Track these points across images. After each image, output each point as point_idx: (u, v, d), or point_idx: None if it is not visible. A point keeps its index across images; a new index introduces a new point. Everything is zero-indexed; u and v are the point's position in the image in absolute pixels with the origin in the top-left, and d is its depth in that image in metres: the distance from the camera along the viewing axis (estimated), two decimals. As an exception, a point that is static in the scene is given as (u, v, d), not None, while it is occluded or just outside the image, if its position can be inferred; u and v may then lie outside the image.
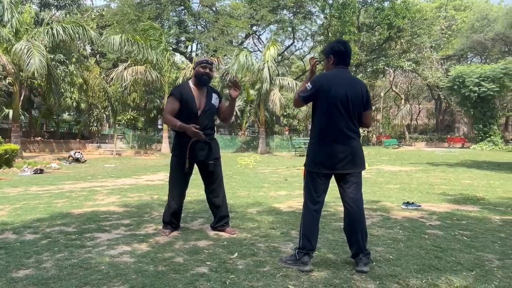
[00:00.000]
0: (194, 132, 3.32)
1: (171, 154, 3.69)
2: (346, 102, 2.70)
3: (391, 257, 2.94)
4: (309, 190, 2.80)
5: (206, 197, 3.73)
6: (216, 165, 3.57)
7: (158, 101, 28.31)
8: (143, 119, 31.33)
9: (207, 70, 3.51)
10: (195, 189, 5.80)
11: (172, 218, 3.61)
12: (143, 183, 8.15)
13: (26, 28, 15.86)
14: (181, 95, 3.46)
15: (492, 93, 24.66)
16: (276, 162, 15.65)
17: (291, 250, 3.06)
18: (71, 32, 15.63)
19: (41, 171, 11.15)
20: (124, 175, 9.89)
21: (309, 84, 2.80)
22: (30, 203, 5.31)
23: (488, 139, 25.55)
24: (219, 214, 3.65)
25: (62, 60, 20.10)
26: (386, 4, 28.05)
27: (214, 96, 3.61)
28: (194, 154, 3.46)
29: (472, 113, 26.72)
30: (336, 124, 2.70)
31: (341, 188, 2.81)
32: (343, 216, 2.87)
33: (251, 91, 25.95)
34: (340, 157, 2.70)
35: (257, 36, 36.01)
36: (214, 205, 3.66)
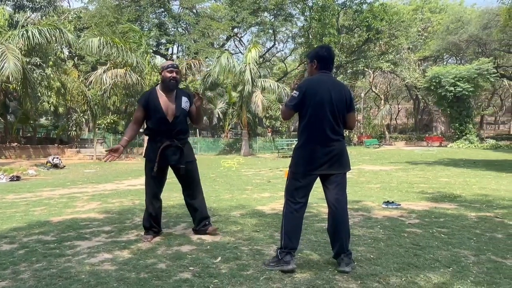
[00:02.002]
0: (110, 151, 3.45)
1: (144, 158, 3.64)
2: (331, 105, 2.77)
3: (372, 256, 3.00)
4: (291, 191, 2.83)
5: (184, 200, 3.71)
6: (189, 169, 3.53)
7: (139, 104, 27.90)
8: (123, 123, 30.81)
9: (174, 74, 3.42)
10: (178, 193, 5.73)
11: (152, 223, 3.57)
12: (125, 188, 8.03)
13: (-1, 31, 15.41)
14: (146, 103, 3.41)
15: (467, 92, 25.46)
16: (259, 164, 15.69)
17: (274, 252, 3.08)
18: (48, 34, 15.28)
19: (17, 178, 10.83)
20: (105, 180, 9.71)
21: (294, 92, 2.83)
22: (6, 211, 5.15)
23: (464, 137, 26.33)
24: (198, 216, 3.64)
25: (38, 63, 19.53)
26: (364, 6, 28.60)
27: (184, 99, 3.52)
28: (166, 158, 3.43)
29: (448, 112, 27.51)
30: (322, 127, 2.76)
31: (326, 188, 2.86)
32: (326, 217, 2.91)
33: (233, 93, 25.96)
34: (325, 159, 2.77)
35: (238, 38, 36.06)
36: (192, 207, 3.64)
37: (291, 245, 2.76)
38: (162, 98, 3.43)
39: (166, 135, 3.41)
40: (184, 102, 3.51)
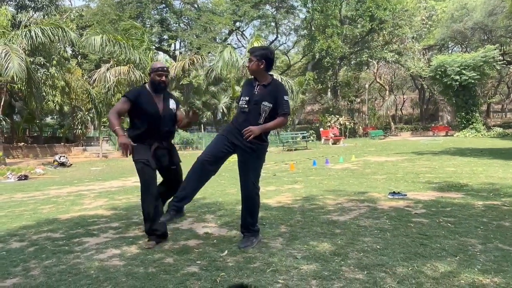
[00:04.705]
0: (123, 144, 3.16)
1: (133, 160, 3.37)
2: None
3: (378, 247, 3.00)
4: None
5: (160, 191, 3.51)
6: (179, 168, 3.52)
7: (143, 101, 27.91)
8: (128, 120, 30.93)
9: (163, 78, 3.34)
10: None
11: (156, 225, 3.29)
12: (131, 184, 8.08)
13: (3, 31, 15.48)
14: (136, 99, 3.31)
15: (473, 81, 25.12)
16: (264, 158, 15.68)
17: (280, 245, 3.10)
18: (50, 34, 15.31)
19: (25, 177, 10.95)
20: (112, 178, 9.79)
21: (287, 97, 3.11)
22: (15, 210, 5.22)
23: (471, 126, 26.06)
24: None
25: (42, 63, 19.62)
26: (367, -4, 28.26)
27: (171, 101, 3.48)
28: (158, 160, 3.35)
29: (454, 101, 27.19)
30: None
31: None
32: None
33: (237, 88, 25.89)
34: None
35: (240, 32, 35.93)
36: (167, 198, 3.54)
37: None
38: (152, 97, 3.37)
39: (156, 136, 3.33)
40: (172, 103, 3.47)
